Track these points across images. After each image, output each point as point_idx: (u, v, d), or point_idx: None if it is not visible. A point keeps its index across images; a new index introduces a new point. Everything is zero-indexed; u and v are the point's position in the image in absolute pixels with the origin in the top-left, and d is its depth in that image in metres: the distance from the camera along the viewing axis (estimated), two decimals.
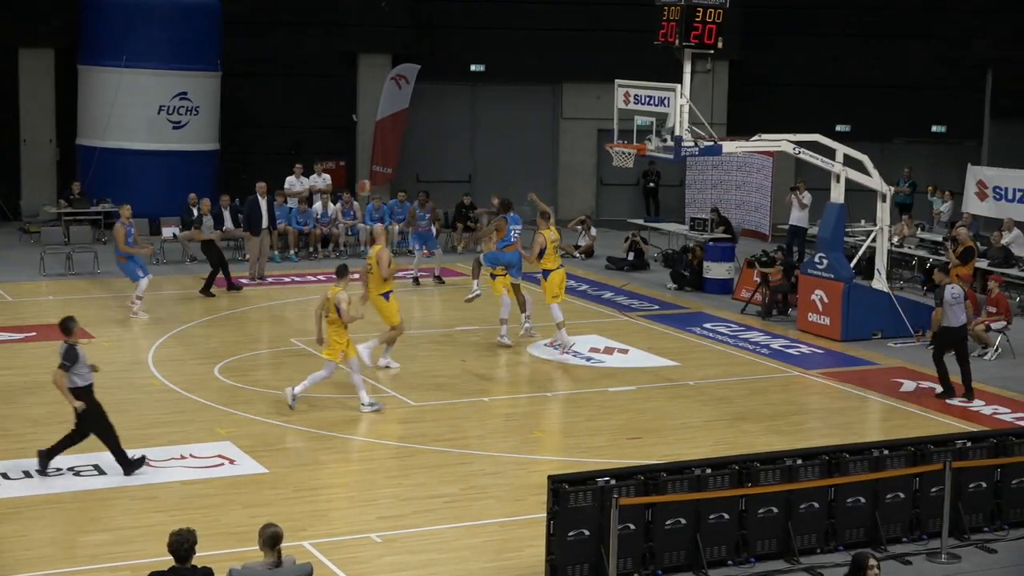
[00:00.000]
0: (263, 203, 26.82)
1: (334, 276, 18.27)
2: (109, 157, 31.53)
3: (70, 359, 14.83)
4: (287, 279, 27.22)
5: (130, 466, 15.17)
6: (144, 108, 31.61)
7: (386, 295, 19.69)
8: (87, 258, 27.55)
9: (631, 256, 29.60)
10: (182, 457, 15.85)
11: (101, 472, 15.23)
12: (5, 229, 31.61)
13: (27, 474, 15.11)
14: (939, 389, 19.45)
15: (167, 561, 9.92)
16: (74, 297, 24.80)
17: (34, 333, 21.98)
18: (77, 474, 15.16)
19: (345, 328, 17.63)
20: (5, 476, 15.04)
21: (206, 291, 25.29)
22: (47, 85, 33.01)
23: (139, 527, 13.59)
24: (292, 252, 29.44)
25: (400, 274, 27.86)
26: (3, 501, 14.29)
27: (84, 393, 14.95)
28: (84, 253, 27.61)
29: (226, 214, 27.90)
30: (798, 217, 29.20)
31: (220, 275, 25.54)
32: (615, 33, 34.48)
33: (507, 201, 22.65)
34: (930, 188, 31.62)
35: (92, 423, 15.02)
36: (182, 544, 9.86)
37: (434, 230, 28.68)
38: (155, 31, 31.63)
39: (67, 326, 15.10)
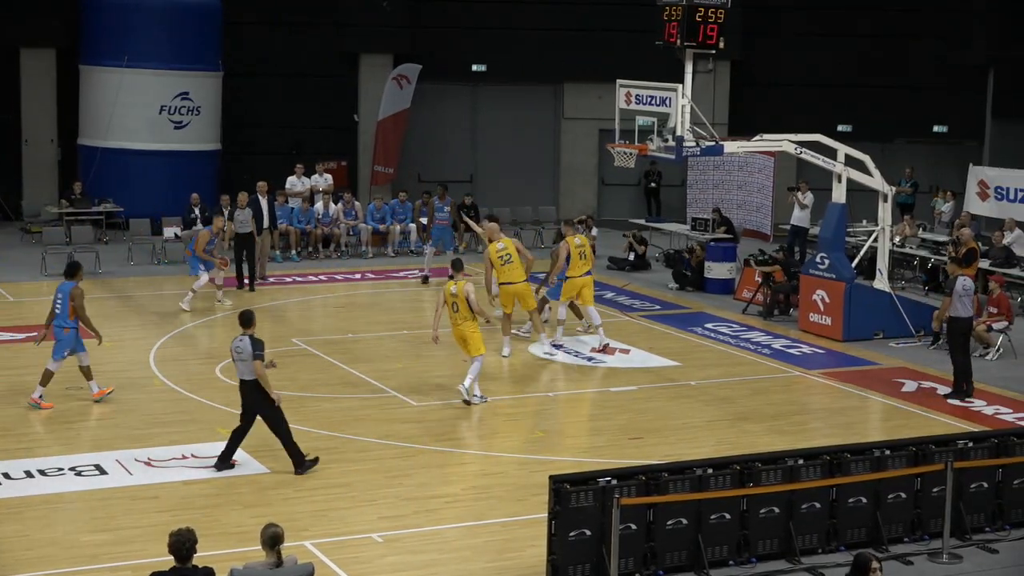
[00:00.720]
0: (264, 203, 26.82)
1: (449, 272, 18.75)
2: (110, 157, 31.56)
3: (262, 348, 15.13)
4: (288, 279, 27.22)
5: (302, 463, 15.37)
6: (145, 108, 31.64)
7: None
8: (88, 258, 27.47)
9: (632, 256, 29.59)
10: (183, 457, 15.85)
11: (102, 472, 15.25)
12: (6, 229, 31.61)
13: (28, 474, 15.12)
14: (942, 389, 19.47)
15: (168, 561, 9.92)
16: None
17: (35, 333, 21.93)
18: (79, 474, 15.17)
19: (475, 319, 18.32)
20: (7, 476, 15.04)
21: (252, 286, 25.79)
22: (48, 85, 33.03)
23: (140, 527, 13.59)
24: (293, 252, 29.42)
25: (402, 273, 27.96)
26: (5, 501, 14.30)
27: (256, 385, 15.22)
28: (85, 253, 27.55)
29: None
30: (799, 217, 29.19)
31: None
32: (616, 33, 34.49)
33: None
34: (936, 197, 31.54)
35: (271, 411, 15.33)
36: (183, 544, 9.85)
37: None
38: (156, 31, 31.66)
39: (250, 318, 15.42)
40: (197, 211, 27.94)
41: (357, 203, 30.81)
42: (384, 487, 15.08)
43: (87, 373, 18.02)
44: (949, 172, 33.71)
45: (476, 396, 18.44)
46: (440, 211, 28.11)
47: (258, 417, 15.34)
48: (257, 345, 15.14)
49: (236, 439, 15.42)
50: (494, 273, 20.98)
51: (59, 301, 17.72)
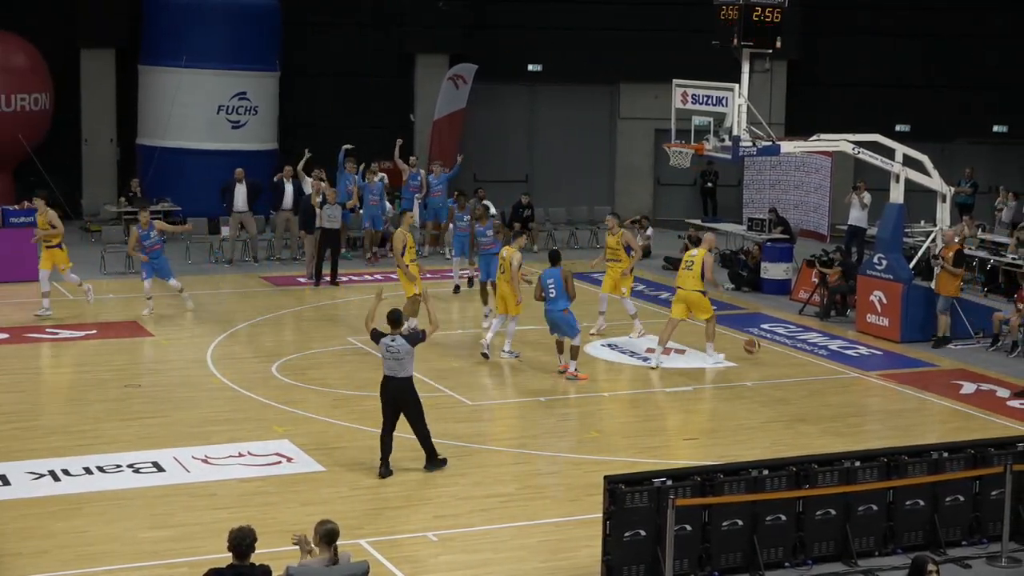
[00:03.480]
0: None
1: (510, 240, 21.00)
2: (168, 156, 31.78)
3: (417, 340, 15.59)
4: (344, 278, 27.24)
5: (434, 460, 15.62)
6: (203, 108, 31.85)
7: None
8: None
9: None
10: (240, 455, 15.96)
11: (160, 469, 15.37)
12: (66, 227, 31.73)
13: (87, 471, 15.26)
14: (1001, 391, 19.30)
15: (226, 558, 10.00)
16: (134, 296, 24.96)
17: (95, 331, 22.19)
18: (137, 471, 15.30)
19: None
20: (67, 472, 15.19)
21: (335, 280, 26.38)
22: (108, 85, 33.33)
23: (199, 524, 13.70)
24: (344, 250, 28.96)
25: (450, 274, 27.94)
26: (65, 497, 14.45)
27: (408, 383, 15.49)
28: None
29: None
30: (857, 217, 29.00)
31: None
32: (673, 33, 34.36)
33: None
34: (1000, 198, 31.22)
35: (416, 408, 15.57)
36: (242, 541, 9.91)
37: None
38: (215, 31, 31.88)
39: (399, 317, 15.94)
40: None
41: (421, 171, 30.66)
42: (439, 486, 15.12)
43: (575, 352, 19.69)
44: (1010, 172, 33.36)
45: (506, 352, 20.43)
46: (460, 220, 27.48)
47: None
48: (413, 340, 15.40)
49: (387, 442, 15.43)
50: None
51: (552, 285, 19.60)
